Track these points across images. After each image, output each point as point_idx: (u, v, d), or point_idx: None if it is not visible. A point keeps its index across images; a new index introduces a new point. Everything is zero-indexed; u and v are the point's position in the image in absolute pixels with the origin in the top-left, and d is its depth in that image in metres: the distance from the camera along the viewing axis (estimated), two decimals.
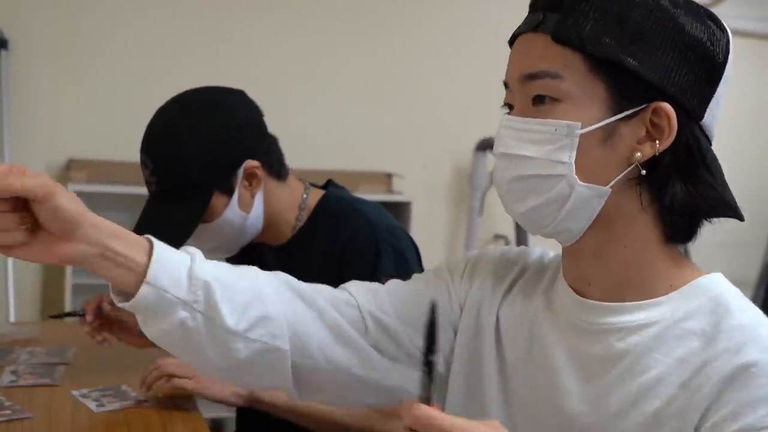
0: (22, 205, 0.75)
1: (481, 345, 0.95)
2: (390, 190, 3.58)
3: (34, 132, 3.06)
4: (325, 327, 0.93)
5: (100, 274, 0.81)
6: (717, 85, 0.82)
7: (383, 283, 1.00)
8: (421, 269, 1.46)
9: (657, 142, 0.80)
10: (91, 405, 1.39)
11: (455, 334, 0.97)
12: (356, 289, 0.98)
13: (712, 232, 0.85)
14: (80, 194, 0.77)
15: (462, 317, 0.97)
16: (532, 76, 0.82)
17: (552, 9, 0.82)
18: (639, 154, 0.80)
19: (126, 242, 0.81)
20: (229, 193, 1.44)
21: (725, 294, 0.82)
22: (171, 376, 1.43)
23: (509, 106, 0.87)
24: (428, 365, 0.62)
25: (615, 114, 0.80)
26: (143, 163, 1.44)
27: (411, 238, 1.54)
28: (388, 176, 3.59)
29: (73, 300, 2.92)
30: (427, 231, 3.49)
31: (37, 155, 3.05)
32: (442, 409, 0.76)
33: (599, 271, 0.85)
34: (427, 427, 0.60)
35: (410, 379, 0.95)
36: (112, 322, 1.56)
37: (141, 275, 0.81)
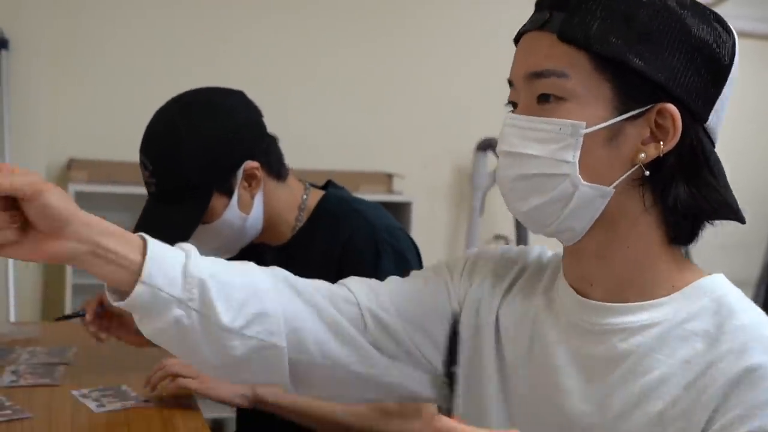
0: (12, 204, 0.75)
1: (480, 344, 0.95)
2: (390, 191, 3.58)
3: (34, 132, 3.05)
4: (323, 324, 0.93)
5: (92, 272, 0.80)
6: (722, 87, 0.82)
7: None
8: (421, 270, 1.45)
9: (661, 143, 0.79)
10: (92, 405, 1.39)
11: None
12: (356, 286, 0.98)
13: (714, 234, 0.85)
14: (81, 194, 0.77)
15: (461, 315, 0.97)
16: (538, 75, 0.81)
17: (558, 7, 0.82)
18: (643, 155, 0.80)
19: (118, 240, 0.80)
20: (229, 194, 1.43)
21: (727, 295, 0.81)
22: (176, 375, 1.42)
23: (513, 104, 0.87)
24: (449, 377, 0.61)
25: (620, 114, 0.80)
26: (143, 164, 1.44)
27: (411, 239, 1.54)
28: (389, 176, 3.59)
29: (73, 300, 2.92)
30: (427, 231, 3.49)
31: (37, 155, 3.04)
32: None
33: (601, 271, 0.85)
34: None
35: (409, 376, 0.95)
36: (113, 317, 1.55)
37: (135, 273, 0.80)
